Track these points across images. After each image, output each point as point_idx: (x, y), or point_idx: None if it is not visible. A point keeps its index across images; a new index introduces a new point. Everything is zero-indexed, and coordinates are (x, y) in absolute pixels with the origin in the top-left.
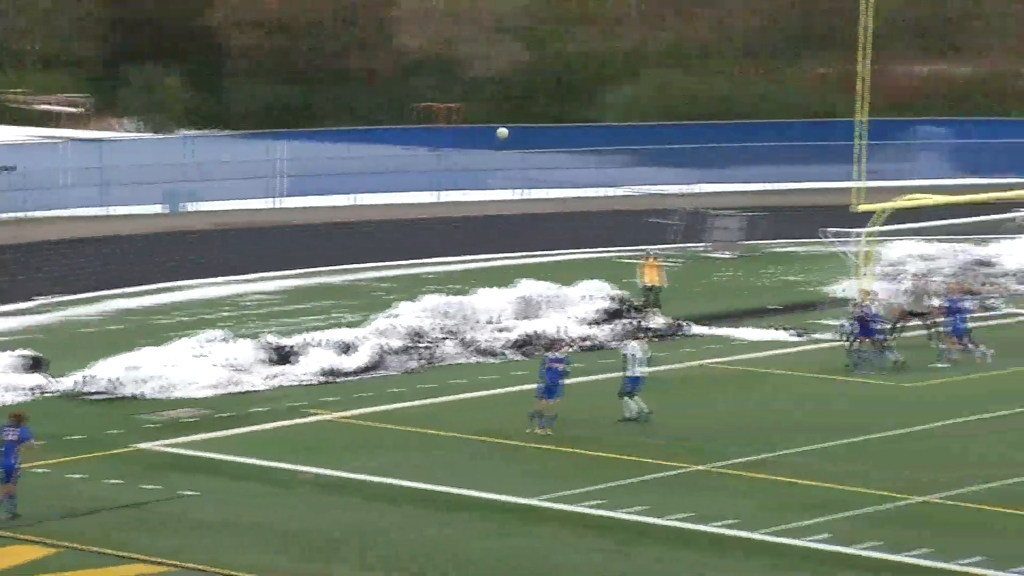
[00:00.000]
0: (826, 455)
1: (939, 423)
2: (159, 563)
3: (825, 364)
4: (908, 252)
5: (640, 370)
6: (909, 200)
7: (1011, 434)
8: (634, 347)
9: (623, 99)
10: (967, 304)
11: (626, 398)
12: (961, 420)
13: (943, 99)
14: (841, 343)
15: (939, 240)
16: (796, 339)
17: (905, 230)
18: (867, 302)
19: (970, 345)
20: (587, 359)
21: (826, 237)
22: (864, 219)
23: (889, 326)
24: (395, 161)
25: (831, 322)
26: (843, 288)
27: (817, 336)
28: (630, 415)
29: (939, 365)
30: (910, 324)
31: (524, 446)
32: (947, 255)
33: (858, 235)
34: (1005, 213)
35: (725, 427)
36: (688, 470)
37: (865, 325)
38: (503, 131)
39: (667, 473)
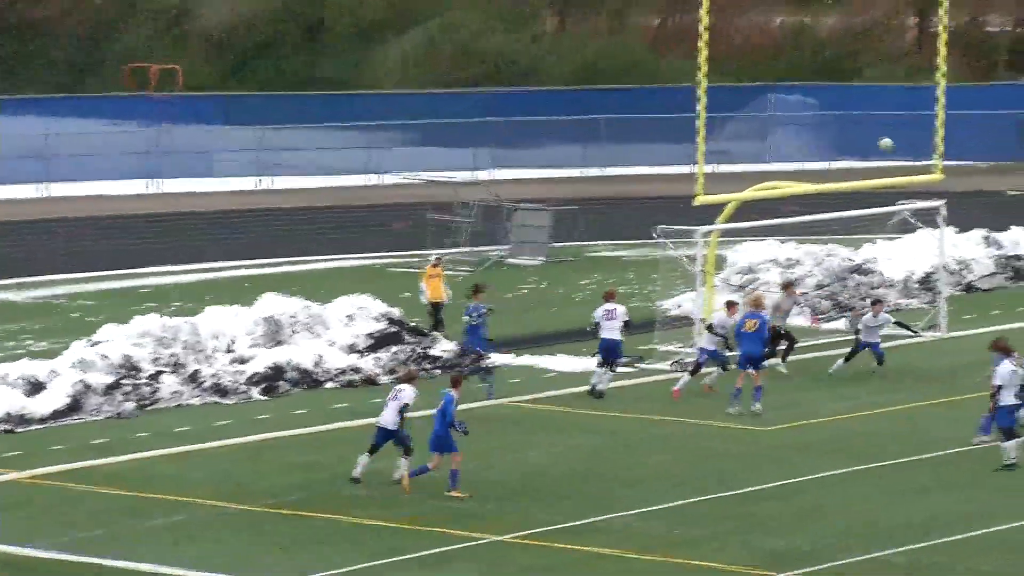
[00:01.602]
0: (667, 517)
1: (799, 478)
2: None
3: (663, 401)
4: (764, 256)
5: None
6: (764, 189)
7: (878, 488)
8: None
9: (394, 59)
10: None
11: None
12: (821, 475)
13: (805, 60)
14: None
15: (802, 241)
16: (624, 370)
17: (760, 228)
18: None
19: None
20: (353, 397)
21: (659, 238)
22: (710, 213)
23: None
24: (96, 140)
25: (667, 347)
26: (679, 304)
27: (649, 365)
28: None
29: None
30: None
31: (269, 512)
32: (813, 259)
33: (702, 233)
34: (888, 206)
35: (536, 483)
36: (486, 540)
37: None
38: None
39: (459, 545)
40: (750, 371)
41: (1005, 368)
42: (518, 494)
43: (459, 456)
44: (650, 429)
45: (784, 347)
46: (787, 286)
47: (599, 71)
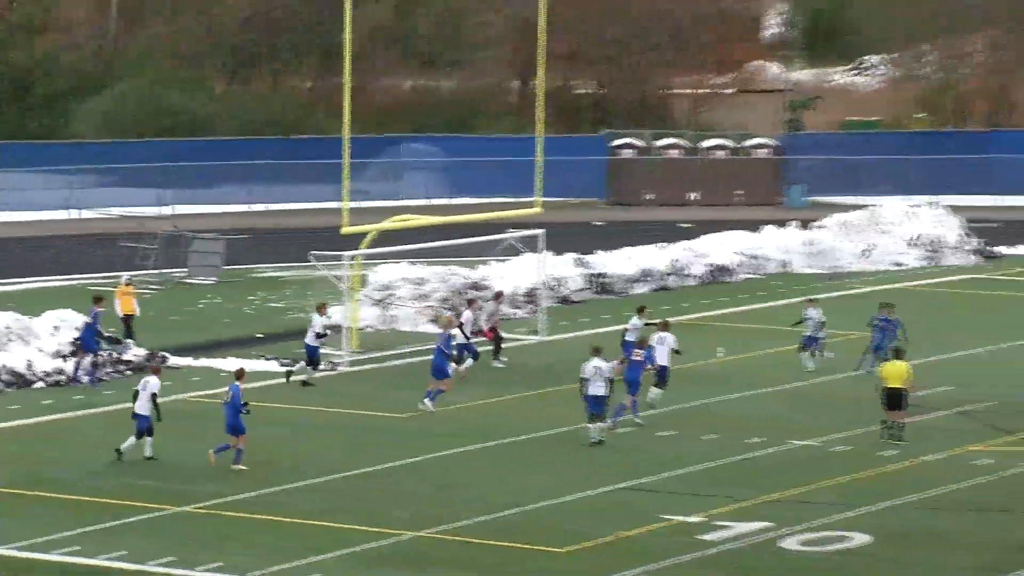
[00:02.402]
0: (321, 492)
1: (436, 454)
2: None
3: (329, 395)
4: (398, 275)
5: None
6: (397, 221)
7: (501, 464)
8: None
9: (95, 113)
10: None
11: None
12: (459, 450)
13: (430, 115)
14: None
15: (429, 263)
16: (285, 370)
17: (395, 252)
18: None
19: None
20: (57, 395)
21: (313, 261)
22: (354, 242)
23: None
24: None
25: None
26: (329, 315)
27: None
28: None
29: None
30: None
31: None
32: (438, 278)
33: (348, 258)
34: (497, 234)
35: (215, 465)
36: (171, 512)
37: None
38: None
39: (148, 516)
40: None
41: (590, 364)
42: (201, 473)
43: (245, 437)
44: (315, 419)
45: (494, 346)
46: (497, 295)
47: (262, 124)
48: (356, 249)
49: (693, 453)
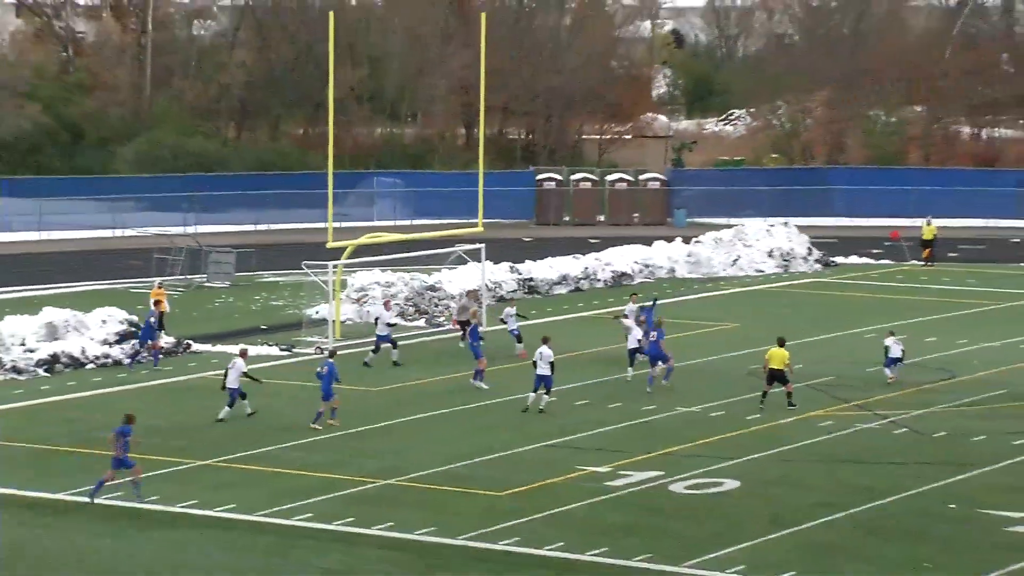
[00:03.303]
0: (310, 449)
1: (400, 419)
2: None
3: (309, 373)
4: (371, 279)
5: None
6: (371, 237)
7: (457, 426)
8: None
9: (133, 154)
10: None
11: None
12: (420, 416)
13: (396, 155)
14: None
15: (395, 270)
16: (283, 353)
17: (369, 262)
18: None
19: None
20: (104, 374)
21: (305, 269)
22: (336, 253)
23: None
24: None
25: (312, 339)
26: (317, 310)
27: (300, 351)
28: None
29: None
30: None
31: (49, 449)
32: (402, 282)
33: (332, 266)
34: (448, 248)
35: (228, 428)
36: (192, 465)
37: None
38: None
39: (173, 468)
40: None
41: (540, 349)
42: (218, 435)
43: (335, 400)
44: (300, 394)
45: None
46: (470, 293)
47: (265, 162)
48: (339, 259)
49: (603, 418)
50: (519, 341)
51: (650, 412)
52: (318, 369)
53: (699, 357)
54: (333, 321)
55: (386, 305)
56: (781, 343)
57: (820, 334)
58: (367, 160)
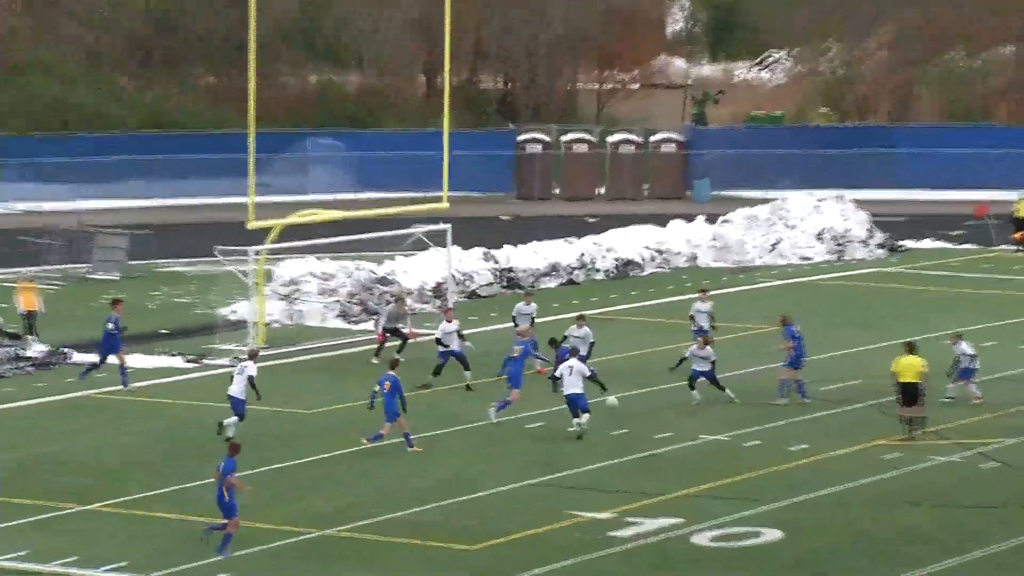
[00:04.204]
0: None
1: (339, 451)
2: None
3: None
4: (304, 270)
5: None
6: (302, 216)
7: (414, 459)
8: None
9: None
10: None
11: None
12: (355, 449)
13: (335, 110)
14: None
15: (335, 257)
16: (190, 365)
17: (301, 247)
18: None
19: None
20: None
21: (218, 256)
22: (260, 236)
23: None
24: None
25: (226, 347)
26: (235, 310)
27: (212, 361)
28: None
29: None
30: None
31: None
32: (344, 273)
33: (253, 253)
34: (404, 229)
35: (118, 462)
36: (75, 510)
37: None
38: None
39: (52, 515)
40: None
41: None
42: (106, 471)
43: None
44: (214, 415)
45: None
46: (398, 299)
47: (167, 120)
48: (261, 244)
49: (601, 450)
50: (466, 368)
51: (665, 441)
52: (375, 388)
53: (726, 371)
54: (255, 324)
55: (446, 315)
56: (911, 348)
57: (884, 340)
58: (298, 117)
